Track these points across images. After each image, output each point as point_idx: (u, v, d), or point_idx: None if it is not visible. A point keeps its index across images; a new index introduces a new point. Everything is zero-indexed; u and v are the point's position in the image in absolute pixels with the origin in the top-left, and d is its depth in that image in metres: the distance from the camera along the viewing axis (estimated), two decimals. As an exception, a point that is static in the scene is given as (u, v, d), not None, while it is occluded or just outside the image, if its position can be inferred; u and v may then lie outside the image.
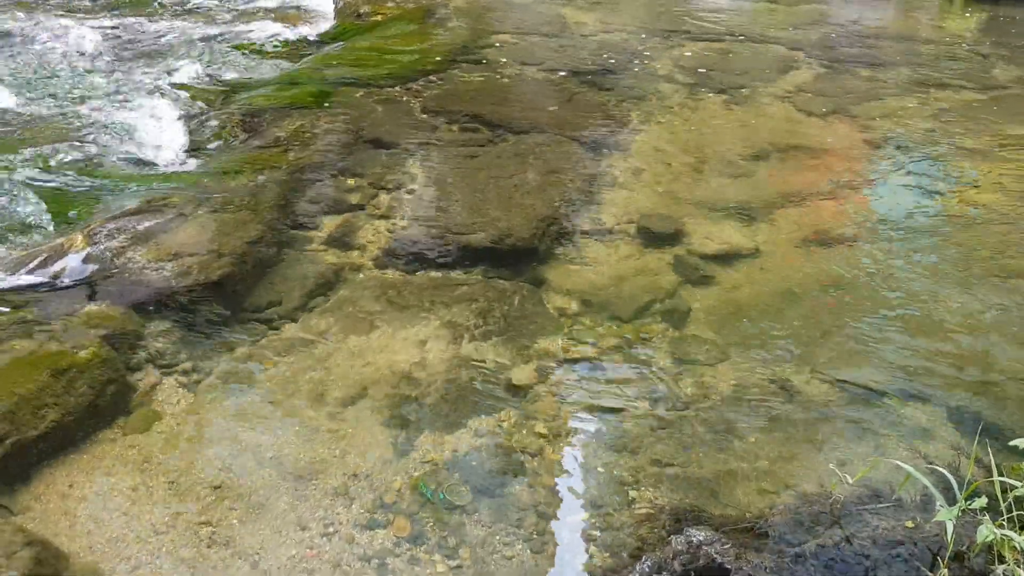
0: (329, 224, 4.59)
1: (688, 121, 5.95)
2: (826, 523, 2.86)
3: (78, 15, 7.61)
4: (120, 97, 5.85)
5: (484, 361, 3.69)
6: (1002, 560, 2.56)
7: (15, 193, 4.51)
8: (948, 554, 2.62)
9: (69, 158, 4.93)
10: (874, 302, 4.06)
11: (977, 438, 3.04)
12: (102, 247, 4.03)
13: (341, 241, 4.46)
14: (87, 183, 4.71)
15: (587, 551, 2.87)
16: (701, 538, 2.74)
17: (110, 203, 4.51)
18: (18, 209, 4.41)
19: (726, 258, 4.40)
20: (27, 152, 4.95)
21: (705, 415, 3.41)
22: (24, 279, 3.89)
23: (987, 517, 2.64)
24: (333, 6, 8.48)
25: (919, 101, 6.36)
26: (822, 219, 4.76)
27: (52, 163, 4.86)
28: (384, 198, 4.84)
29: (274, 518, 2.94)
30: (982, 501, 2.68)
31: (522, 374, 3.63)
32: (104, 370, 3.36)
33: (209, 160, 5.13)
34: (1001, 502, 2.67)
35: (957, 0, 8.97)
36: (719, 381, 3.60)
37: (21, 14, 7.49)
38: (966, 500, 2.66)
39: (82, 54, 6.67)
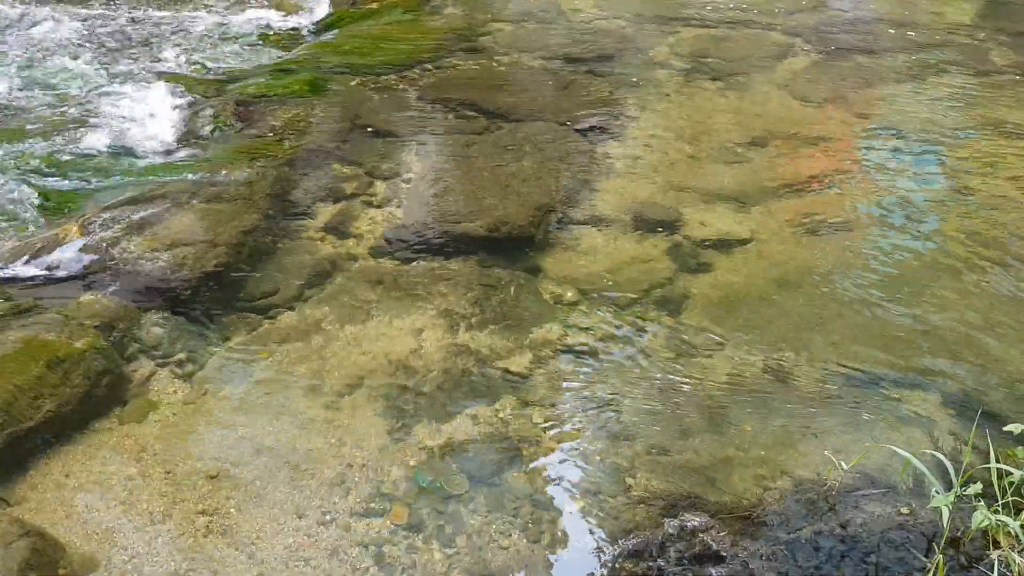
0: (325, 213, 4.58)
1: (684, 108, 5.93)
2: (822, 510, 2.87)
3: (68, 4, 7.56)
4: (113, 87, 5.82)
5: (480, 350, 3.69)
6: (997, 546, 2.57)
7: (8, 184, 4.49)
8: (943, 540, 2.63)
9: (62, 149, 4.91)
10: (870, 288, 4.06)
11: (975, 424, 3.04)
12: (97, 237, 4.02)
13: (337, 230, 4.45)
14: (80, 173, 4.70)
15: (583, 539, 2.88)
16: (696, 524, 2.75)
17: (104, 193, 4.50)
18: (12, 200, 4.39)
19: (723, 245, 4.40)
20: (19, 143, 4.93)
21: (701, 402, 3.41)
22: (19, 270, 3.88)
23: (982, 503, 2.65)
24: (328, -7, 8.44)
25: (916, 87, 6.34)
26: (818, 206, 4.75)
27: (45, 154, 4.84)
28: (380, 186, 4.83)
29: (271, 507, 2.94)
30: (977, 487, 2.68)
31: (519, 362, 3.63)
32: (100, 360, 3.37)
33: (204, 150, 5.11)
34: (997, 488, 2.68)
35: (954, -15, 8.93)
36: (716, 368, 3.60)
37: (9, 3, 7.44)
38: (962, 486, 2.66)
39: (73, 44, 6.63)
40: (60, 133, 5.09)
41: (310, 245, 4.33)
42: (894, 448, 2.93)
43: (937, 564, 2.54)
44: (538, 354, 3.69)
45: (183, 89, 5.87)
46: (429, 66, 6.43)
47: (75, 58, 6.32)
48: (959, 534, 2.67)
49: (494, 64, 6.54)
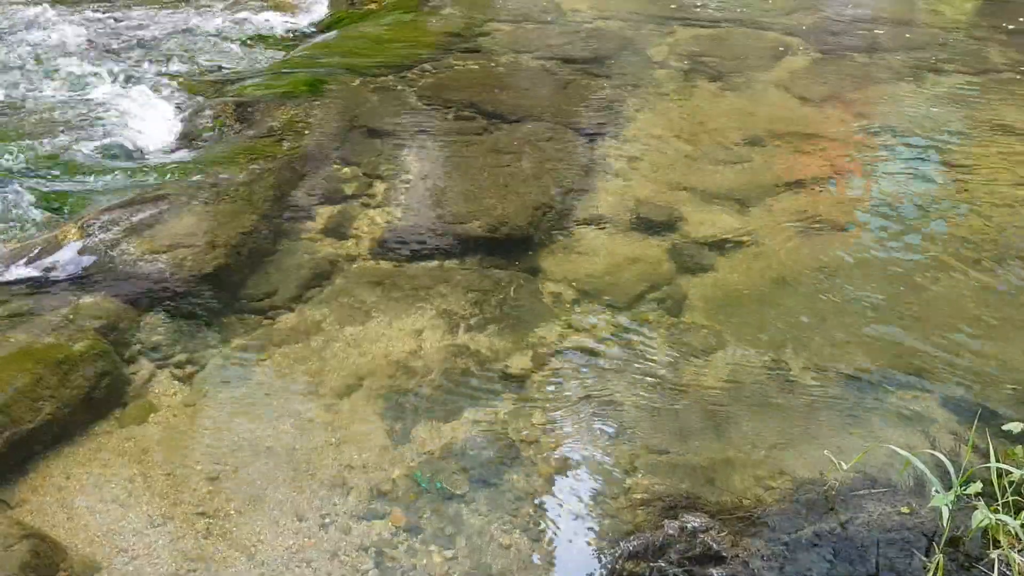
0: (324, 214, 4.58)
1: (683, 108, 5.93)
2: (822, 509, 2.87)
3: (67, 6, 7.56)
4: (112, 88, 5.82)
5: (480, 350, 3.69)
6: (997, 545, 2.57)
7: (7, 186, 4.49)
8: (943, 539, 2.63)
9: (61, 150, 4.91)
10: (869, 288, 4.06)
11: (975, 423, 3.05)
12: (96, 239, 4.02)
13: (336, 231, 4.45)
14: (79, 175, 4.70)
15: (583, 539, 2.88)
16: (696, 524, 2.75)
17: (103, 195, 4.50)
18: (10, 202, 4.39)
19: (722, 245, 4.40)
20: (18, 144, 4.93)
21: (701, 402, 3.42)
22: (18, 272, 3.88)
23: (982, 502, 2.65)
24: (327, -6, 8.44)
25: (915, 86, 6.35)
26: (817, 205, 4.76)
27: (44, 155, 4.84)
28: (379, 187, 4.83)
29: (271, 509, 2.94)
30: (977, 486, 2.68)
31: (518, 363, 3.63)
32: (99, 363, 3.36)
33: (203, 151, 5.11)
34: (997, 487, 2.68)
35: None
36: (715, 368, 3.60)
37: (9, 4, 7.44)
38: (962, 485, 2.67)
39: (71, 45, 6.63)
40: (60, 134, 5.09)
41: (309, 246, 4.33)
42: (894, 448, 2.93)
43: (937, 563, 2.55)
44: (538, 354, 3.69)
45: (182, 90, 5.88)
46: (428, 67, 6.43)
47: (75, 59, 6.32)
48: (959, 533, 2.67)
49: (493, 64, 6.54)
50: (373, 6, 8.02)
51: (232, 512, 2.92)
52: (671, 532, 2.73)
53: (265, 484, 3.03)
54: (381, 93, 5.96)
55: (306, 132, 5.30)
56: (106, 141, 5.07)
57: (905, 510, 2.81)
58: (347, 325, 3.81)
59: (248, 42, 7.06)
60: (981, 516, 2.55)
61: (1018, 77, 6.48)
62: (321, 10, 8.12)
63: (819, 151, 5.36)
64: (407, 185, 4.84)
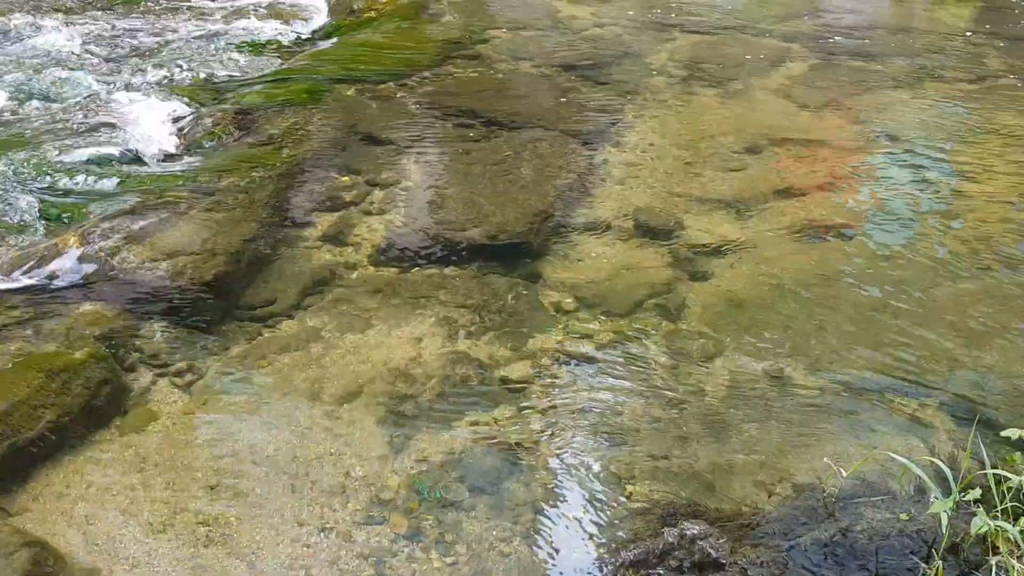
0: (323, 221, 4.59)
1: (681, 115, 5.95)
2: (821, 516, 2.87)
3: (67, 14, 7.58)
4: (112, 97, 5.83)
5: (480, 357, 3.70)
6: (996, 551, 2.57)
7: (7, 194, 4.50)
8: (943, 546, 2.63)
9: (61, 158, 4.91)
10: (868, 294, 4.06)
11: (973, 430, 3.05)
12: (96, 247, 4.03)
13: (336, 238, 4.46)
14: (79, 183, 4.70)
15: (583, 547, 2.88)
16: (696, 531, 2.75)
17: (103, 203, 4.50)
18: (11, 210, 4.40)
19: (721, 252, 4.41)
20: (18, 153, 4.94)
21: (700, 409, 3.42)
22: (18, 280, 3.89)
23: (981, 509, 2.65)
24: (326, 2, 8.45)
25: (913, 92, 6.36)
26: (816, 211, 4.76)
27: (44, 163, 4.84)
28: (378, 195, 4.84)
29: (271, 516, 2.94)
30: (976, 493, 2.69)
31: (518, 370, 3.63)
32: (100, 370, 3.37)
33: (202, 158, 5.12)
34: (996, 494, 2.68)
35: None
36: (714, 375, 3.61)
37: (8, 13, 7.45)
38: (961, 492, 2.67)
39: (71, 53, 6.64)
40: (59, 143, 5.09)
41: (309, 254, 4.34)
42: (893, 454, 2.93)
43: (936, 570, 2.55)
44: (537, 361, 3.69)
45: (182, 98, 5.89)
46: (427, 74, 6.45)
47: (74, 68, 6.33)
48: (958, 540, 2.67)
49: (492, 72, 6.56)
50: (373, 14, 8.03)
51: (232, 520, 2.93)
52: (670, 539, 2.73)
53: (265, 492, 3.03)
54: (381, 101, 5.98)
55: (306, 140, 5.32)
56: (106, 149, 5.07)
57: (904, 517, 2.81)
58: (347, 332, 3.82)
59: (248, 50, 7.06)
60: (980, 522, 2.55)
61: (1017, 84, 6.49)
62: (321, 18, 8.13)
63: (817, 157, 5.37)
64: (406, 192, 4.86)
